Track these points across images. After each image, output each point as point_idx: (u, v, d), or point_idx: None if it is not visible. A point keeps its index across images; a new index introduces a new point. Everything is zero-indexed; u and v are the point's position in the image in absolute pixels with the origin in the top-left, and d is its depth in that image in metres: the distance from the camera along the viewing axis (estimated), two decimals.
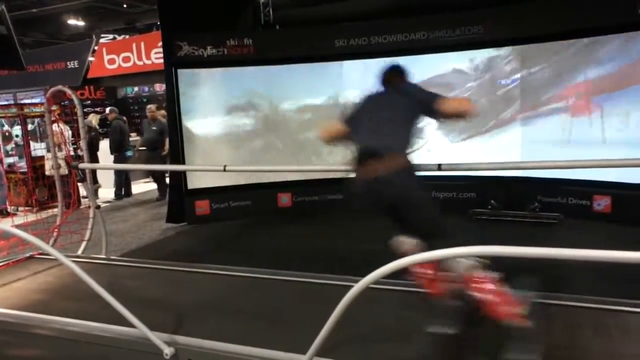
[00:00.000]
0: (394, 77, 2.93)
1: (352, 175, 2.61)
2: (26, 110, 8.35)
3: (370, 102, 2.86)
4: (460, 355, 2.34)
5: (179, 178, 6.94)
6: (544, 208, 6.14)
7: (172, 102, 6.84)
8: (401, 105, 2.68)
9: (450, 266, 2.34)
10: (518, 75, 6.38)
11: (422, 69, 6.43)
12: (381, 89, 2.92)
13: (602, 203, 5.91)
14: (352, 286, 1.90)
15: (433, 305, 2.52)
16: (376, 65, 3.16)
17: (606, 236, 5.19)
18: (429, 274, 2.58)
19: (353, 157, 2.59)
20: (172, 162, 7.11)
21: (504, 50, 6.45)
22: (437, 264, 2.52)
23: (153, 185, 9.55)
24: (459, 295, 2.44)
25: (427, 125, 2.96)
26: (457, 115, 2.67)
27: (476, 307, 2.29)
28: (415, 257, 1.81)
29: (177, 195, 6.97)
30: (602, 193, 5.88)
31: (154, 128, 8.97)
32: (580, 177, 5.87)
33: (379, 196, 2.51)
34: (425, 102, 2.63)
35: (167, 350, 2.36)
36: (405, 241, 2.58)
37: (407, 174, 2.48)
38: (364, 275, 1.87)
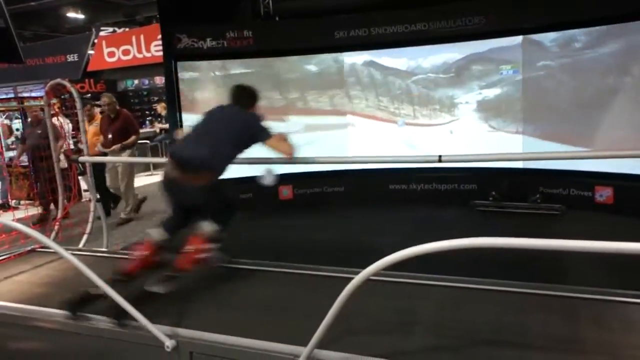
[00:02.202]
0: (245, 100, 3.25)
1: (165, 168, 3.02)
2: (26, 103, 8.34)
3: (215, 115, 3.20)
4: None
5: None
6: (546, 199, 6.13)
7: (171, 95, 6.82)
8: (239, 128, 3.07)
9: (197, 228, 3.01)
10: None
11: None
12: (230, 106, 3.24)
13: (604, 194, 5.89)
14: (352, 278, 1.89)
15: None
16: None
17: (608, 227, 5.18)
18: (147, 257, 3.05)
19: (172, 154, 3.00)
20: None
21: None
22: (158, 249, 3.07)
23: (154, 179, 9.52)
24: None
25: None
26: (280, 150, 3.15)
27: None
28: (423, 247, 1.79)
29: None
30: (604, 184, 5.87)
31: (38, 131, 7.01)
32: (582, 169, 5.86)
33: (177, 196, 3.05)
34: (256, 135, 3.09)
35: (169, 343, 2.36)
36: (158, 233, 3.09)
37: (206, 190, 2.95)
38: (365, 267, 1.86)
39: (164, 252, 3.09)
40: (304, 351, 2.09)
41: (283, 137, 3.19)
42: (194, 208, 3.08)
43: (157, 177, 9.20)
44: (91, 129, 6.94)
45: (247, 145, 3.13)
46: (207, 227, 3.00)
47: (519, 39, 6.32)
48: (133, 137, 6.68)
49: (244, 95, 3.28)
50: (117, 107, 6.73)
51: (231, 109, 3.23)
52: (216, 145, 2.95)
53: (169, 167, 2.97)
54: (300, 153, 3.23)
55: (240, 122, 3.10)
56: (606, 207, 5.83)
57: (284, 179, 6.98)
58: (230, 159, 3.07)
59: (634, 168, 5.48)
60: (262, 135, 3.08)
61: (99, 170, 6.33)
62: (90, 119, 7.17)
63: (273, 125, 3.18)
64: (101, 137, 6.75)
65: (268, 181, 3.62)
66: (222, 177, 3.05)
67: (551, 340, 2.22)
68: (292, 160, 3.22)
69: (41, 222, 6.19)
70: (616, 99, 5.74)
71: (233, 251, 3.43)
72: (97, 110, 7.39)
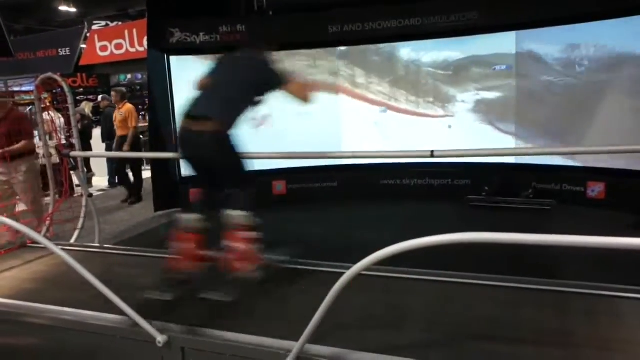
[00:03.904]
0: (257, 41, 3.13)
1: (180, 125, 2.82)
2: (17, 98, 8.25)
3: (224, 62, 3.02)
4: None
5: (165, 166, 6.93)
6: (538, 194, 6.16)
7: (158, 90, 6.77)
8: (246, 74, 2.86)
9: (228, 219, 2.76)
10: None
11: None
12: (240, 51, 3.06)
13: (596, 189, 5.93)
14: (344, 273, 1.89)
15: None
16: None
17: (600, 222, 5.22)
18: (192, 251, 2.84)
19: (185, 109, 2.80)
20: (159, 150, 7.06)
21: None
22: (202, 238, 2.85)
23: (148, 173, 9.47)
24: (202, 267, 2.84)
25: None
26: (297, 98, 2.90)
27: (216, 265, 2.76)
28: (414, 242, 1.79)
29: (162, 183, 6.96)
30: (596, 179, 5.90)
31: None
32: (575, 164, 5.89)
33: (190, 148, 2.82)
34: (270, 81, 2.86)
35: (160, 338, 2.35)
36: (191, 217, 2.87)
37: (220, 141, 2.71)
38: (356, 262, 1.86)
39: (208, 237, 2.88)
40: (295, 346, 2.09)
41: (302, 83, 2.96)
42: (210, 163, 2.83)
43: (150, 172, 9.20)
44: None
45: (260, 92, 2.90)
46: (237, 214, 2.76)
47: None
48: (23, 143, 5.18)
49: (259, 38, 3.15)
50: (10, 106, 5.28)
51: (243, 53, 3.04)
52: (224, 96, 2.79)
53: (182, 120, 2.80)
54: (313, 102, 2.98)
55: (251, 67, 2.90)
56: (598, 202, 5.87)
57: (277, 174, 6.99)
58: (240, 109, 2.83)
59: (626, 164, 5.51)
60: (276, 80, 2.86)
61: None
62: None
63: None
64: None
65: None
66: (233, 130, 2.79)
67: (543, 334, 2.23)
68: (310, 102, 2.94)
69: None
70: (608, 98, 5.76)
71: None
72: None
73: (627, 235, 1.53)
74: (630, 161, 5.45)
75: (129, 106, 7.90)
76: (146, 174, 10.00)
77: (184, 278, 2.79)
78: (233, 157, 2.81)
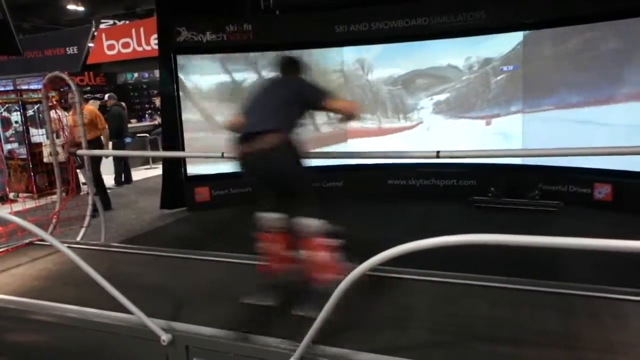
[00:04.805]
0: (289, 68, 3.07)
1: (236, 152, 2.75)
2: (25, 96, 8.31)
3: (260, 89, 2.98)
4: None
5: (175, 165, 6.95)
6: (545, 196, 6.12)
7: (169, 89, 6.80)
8: (288, 93, 2.81)
9: (301, 227, 2.61)
10: None
11: None
12: (274, 77, 3.07)
13: (602, 191, 5.89)
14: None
15: (262, 279, 2.75)
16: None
17: (606, 224, 5.18)
18: (278, 251, 2.76)
19: (236, 137, 2.75)
20: (169, 149, 7.10)
21: None
22: (287, 238, 2.74)
23: (153, 172, 9.52)
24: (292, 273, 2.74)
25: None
26: (342, 115, 2.88)
27: (301, 276, 2.63)
28: (419, 244, 1.79)
29: (170, 182, 6.98)
30: (603, 181, 5.86)
31: None
32: (581, 165, 5.85)
33: (255, 169, 2.74)
34: (313, 98, 2.83)
35: (165, 337, 2.36)
36: (272, 217, 2.76)
37: (283, 151, 2.63)
38: (361, 262, 1.86)
39: (292, 237, 2.74)
40: (300, 346, 2.10)
41: (343, 99, 2.99)
42: (281, 180, 2.74)
43: (156, 171, 9.23)
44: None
45: (304, 109, 2.85)
46: (312, 223, 2.62)
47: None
48: None
49: (289, 63, 3.09)
50: None
51: (280, 78, 3.05)
52: (271, 110, 2.72)
53: (236, 148, 2.73)
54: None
55: (290, 89, 2.86)
56: (605, 204, 5.83)
57: None
58: (293, 118, 2.77)
59: (633, 165, 5.46)
60: (319, 96, 2.82)
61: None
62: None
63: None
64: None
65: None
66: (293, 139, 2.71)
67: (547, 336, 2.23)
68: (356, 118, 2.94)
69: None
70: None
71: (235, 246, 3.29)
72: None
73: (634, 238, 1.52)
74: (638, 162, 5.40)
75: (90, 108, 7.39)
76: (150, 172, 10.04)
77: (278, 282, 2.73)
78: (300, 167, 2.76)
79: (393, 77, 7.05)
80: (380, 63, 7.05)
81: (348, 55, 7.12)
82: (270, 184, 2.82)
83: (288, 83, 2.95)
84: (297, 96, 2.81)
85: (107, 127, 7.53)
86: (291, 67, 3.07)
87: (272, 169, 2.67)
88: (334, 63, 7.11)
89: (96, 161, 6.42)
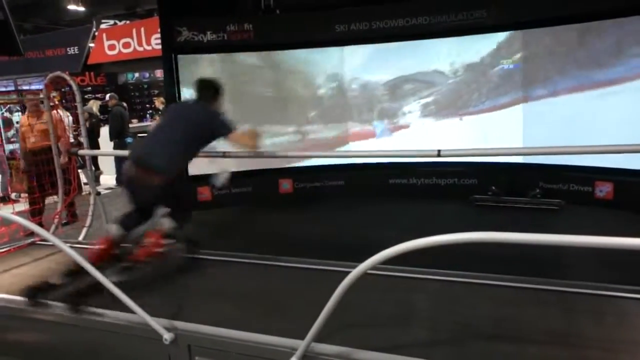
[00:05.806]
0: (206, 94, 3.29)
1: (125, 170, 3.15)
2: (26, 96, 8.32)
3: (173, 113, 3.35)
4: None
5: None
6: (546, 194, 6.12)
7: (171, 89, 6.80)
8: (194, 127, 3.12)
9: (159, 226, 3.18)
10: None
11: None
12: (189, 103, 3.40)
13: (604, 189, 5.88)
14: (350, 272, 1.90)
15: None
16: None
17: (608, 223, 5.18)
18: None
19: (131, 152, 3.20)
20: None
21: None
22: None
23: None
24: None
25: None
26: (242, 145, 3.23)
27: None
28: (419, 242, 1.79)
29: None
30: (604, 179, 5.86)
31: None
32: (582, 164, 5.85)
33: (130, 191, 3.19)
34: (218, 132, 3.14)
35: (167, 336, 2.37)
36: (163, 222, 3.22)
37: (155, 189, 3.03)
38: (362, 261, 1.87)
39: (120, 246, 3.24)
40: (301, 344, 2.10)
41: (250, 132, 3.21)
42: (148, 205, 3.19)
43: None
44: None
45: (207, 141, 3.20)
46: (165, 223, 3.17)
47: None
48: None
49: (208, 88, 3.31)
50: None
51: (193, 106, 3.33)
52: (171, 148, 3.05)
53: (128, 165, 3.10)
54: (264, 147, 3.34)
55: (201, 119, 3.15)
56: (606, 202, 5.82)
57: (284, 172, 7.00)
58: (185, 159, 3.29)
59: (634, 163, 5.46)
60: (223, 130, 3.13)
61: None
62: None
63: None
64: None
65: (220, 182, 3.86)
66: (175, 175, 3.15)
67: (548, 334, 2.23)
68: (256, 154, 3.30)
69: None
70: None
71: (237, 245, 3.45)
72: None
73: (636, 236, 1.52)
74: (639, 160, 5.39)
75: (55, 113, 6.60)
76: None
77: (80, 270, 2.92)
78: (171, 198, 3.18)
79: (390, 78, 7.03)
80: (375, 64, 7.04)
81: (348, 55, 7.12)
82: (140, 204, 3.25)
83: (199, 114, 3.19)
84: (203, 130, 3.13)
85: (70, 136, 6.85)
86: (208, 93, 3.29)
87: (143, 197, 3.14)
88: (334, 63, 7.12)
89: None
